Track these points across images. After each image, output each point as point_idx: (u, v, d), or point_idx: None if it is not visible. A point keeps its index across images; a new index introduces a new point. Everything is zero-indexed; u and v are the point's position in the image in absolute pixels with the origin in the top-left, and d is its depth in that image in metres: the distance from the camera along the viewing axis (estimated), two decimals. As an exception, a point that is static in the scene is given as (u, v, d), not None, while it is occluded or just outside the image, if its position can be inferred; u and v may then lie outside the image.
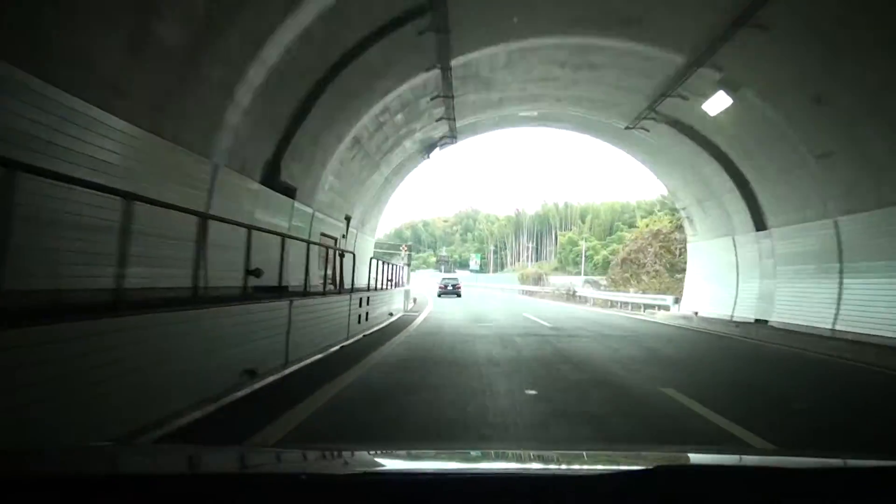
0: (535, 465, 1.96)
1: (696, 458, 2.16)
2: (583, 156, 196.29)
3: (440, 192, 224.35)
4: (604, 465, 1.95)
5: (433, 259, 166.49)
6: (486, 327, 16.47)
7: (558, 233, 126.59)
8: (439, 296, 39.81)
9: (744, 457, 2.41)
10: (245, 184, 11.18)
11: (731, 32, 12.39)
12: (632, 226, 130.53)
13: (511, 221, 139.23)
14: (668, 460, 1.93)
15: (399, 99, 16.18)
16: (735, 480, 1.51)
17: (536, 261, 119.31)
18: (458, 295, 40.57)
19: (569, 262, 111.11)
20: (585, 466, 1.91)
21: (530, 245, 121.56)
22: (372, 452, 2.01)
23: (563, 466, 1.90)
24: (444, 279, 45.69)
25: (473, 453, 2.34)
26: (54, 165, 5.79)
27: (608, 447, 3.46)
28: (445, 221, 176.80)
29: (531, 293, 44.75)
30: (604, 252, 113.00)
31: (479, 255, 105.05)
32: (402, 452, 2.14)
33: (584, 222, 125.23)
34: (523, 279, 47.12)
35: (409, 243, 33.08)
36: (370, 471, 1.67)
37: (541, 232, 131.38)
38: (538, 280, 45.16)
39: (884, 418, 6.40)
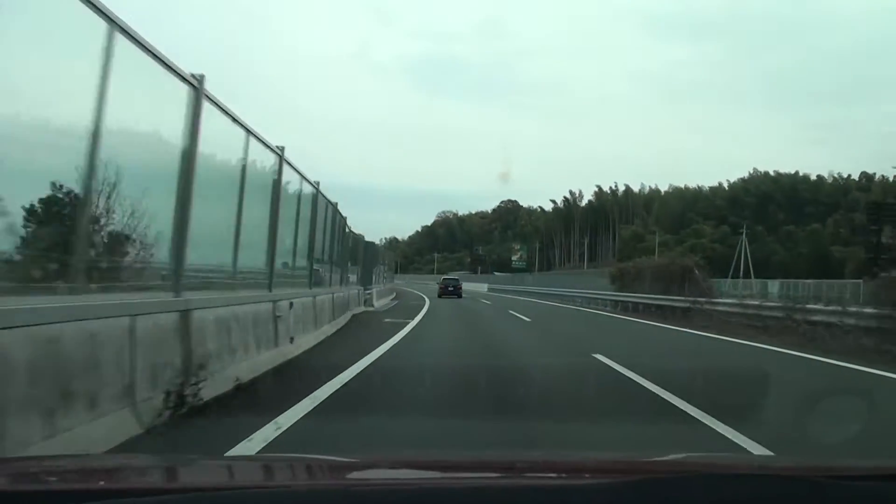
0: (529, 475, 1.82)
1: (697, 465, 2.08)
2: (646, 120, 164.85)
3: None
4: (599, 473, 1.81)
5: (468, 260, 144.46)
6: None
7: (618, 226, 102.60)
8: (439, 296, 38.29)
9: (748, 461, 2.49)
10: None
11: None
12: (708, 217, 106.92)
13: (560, 214, 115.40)
14: (669, 468, 1.93)
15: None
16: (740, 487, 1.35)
17: (591, 260, 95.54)
18: (459, 296, 39.40)
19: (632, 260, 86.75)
20: (576, 475, 1.78)
21: (585, 241, 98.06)
22: (358, 461, 1.95)
23: (560, 475, 1.83)
24: (444, 279, 45.72)
25: (464, 462, 2.21)
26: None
27: (603, 455, 3.27)
28: (483, 218, 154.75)
29: (704, 323, 16.01)
30: (679, 248, 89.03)
31: (523, 248, 76.55)
32: (386, 461, 2.09)
33: (648, 213, 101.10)
34: (623, 280, 23.86)
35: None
36: (355, 481, 1.66)
37: (595, 225, 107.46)
38: (687, 281, 19.51)
39: None
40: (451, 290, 39.59)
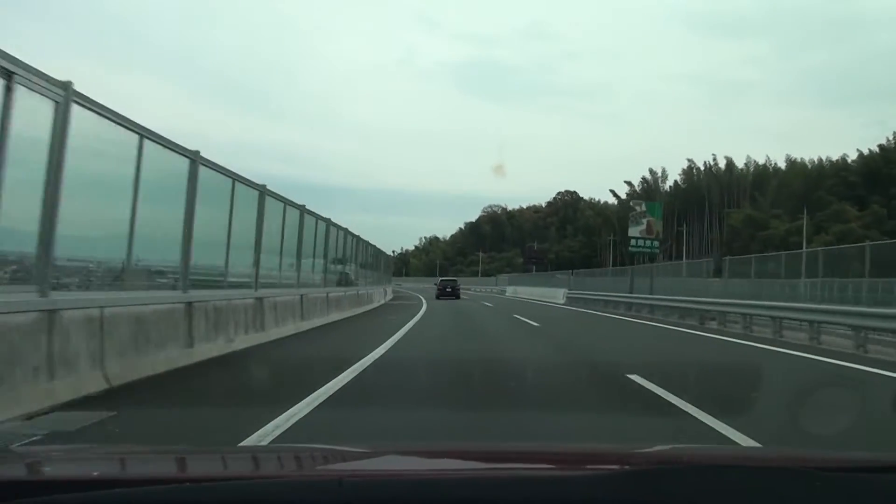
0: (523, 466, 1.83)
1: (690, 456, 2.01)
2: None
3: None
4: (591, 464, 1.81)
5: (520, 260, 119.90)
6: None
7: (723, 211, 76.44)
8: (437, 297, 37.55)
9: (747, 455, 2.38)
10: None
11: None
12: (842, 197, 79.58)
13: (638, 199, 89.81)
14: (668, 459, 1.90)
15: None
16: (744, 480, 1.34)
17: (687, 255, 69.67)
18: (457, 296, 38.82)
19: (751, 252, 60.43)
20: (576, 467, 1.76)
21: (683, 228, 72.26)
22: (362, 451, 1.93)
23: (553, 466, 1.81)
24: (442, 280, 45.24)
25: (466, 451, 2.19)
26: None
27: (595, 446, 3.28)
28: (537, 212, 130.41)
29: None
30: (825, 236, 62.82)
31: (654, 208, 35.85)
32: (386, 451, 2.06)
33: (762, 194, 74.64)
34: None
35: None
36: (358, 471, 1.64)
37: (685, 212, 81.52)
38: None
39: None
40: (448, 291, 39.29)
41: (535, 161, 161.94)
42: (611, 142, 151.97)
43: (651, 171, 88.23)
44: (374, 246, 30.47)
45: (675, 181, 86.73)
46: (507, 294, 55.93)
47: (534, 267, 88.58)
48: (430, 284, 73.96)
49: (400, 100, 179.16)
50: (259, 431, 4.36)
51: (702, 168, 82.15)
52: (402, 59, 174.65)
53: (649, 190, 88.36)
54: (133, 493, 1.21)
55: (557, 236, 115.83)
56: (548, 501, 1.24)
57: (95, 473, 1.46)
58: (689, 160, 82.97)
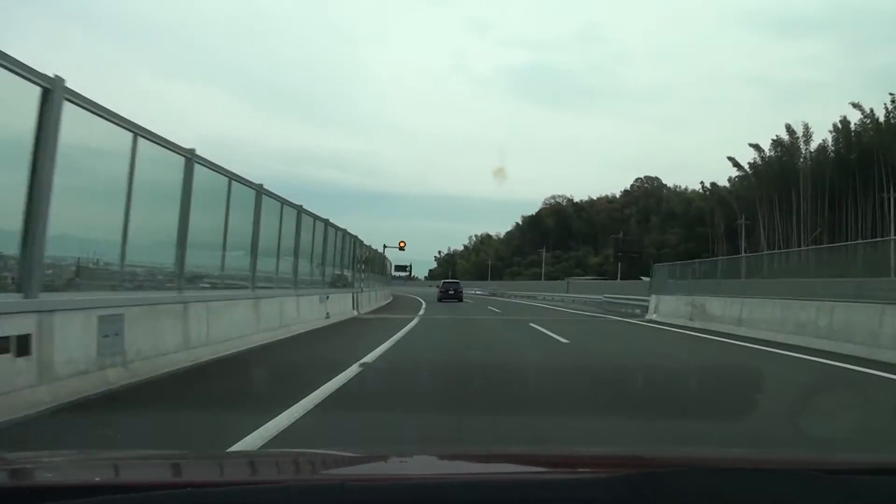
0: (525, 469, 1.83)
1: (692, 459, 1.91)
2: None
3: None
4: (592, 467, 1.76)
5: (594, 259, 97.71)
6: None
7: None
8: (440, 300, 37.05)
9: (744, 457, 2.25)
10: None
11: None
12: None
13: (766, 174, 66.62)
14: (669, 462, 1.85)
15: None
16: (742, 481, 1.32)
17: (860, 237, 46.39)
18: (460, 299, 38.27)
19: None
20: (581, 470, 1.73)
21: (890, 196, 48.70)
22: (363, 455, 1.94)
23: (553, 469, 1.74)
24: (444, 283, 43.83)
25: (468, 455, 2.12)
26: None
27: (597, 449, 3.25)
28: (611, 202, 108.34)
29: None
30: None
31: None
32: (388, 455, 1.96)
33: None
34: None
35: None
36: (362, 476, 1.61)
37: (843, 184, 58.31)
38: None
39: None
40: (451, 294, 38.74)
41: (595, 164, 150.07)
42: (683, 140, 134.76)
43: (788, 128, 64.91)
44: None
45: (822, 142, 63.28)
46: (675, 322, 19.68)
47: (619, 264, 66.89)
48: (475, 290, 64.69)
49: (455, 105, 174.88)
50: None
51: (879, 117, 58.02)
52: (455, 64, 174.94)
53: (786, 155, 65.32)
54: (132, 499, 1.18)
55: (640, 230, 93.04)
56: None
57: (97, 479, 1.44)
58: (854, 105, 59.09)
